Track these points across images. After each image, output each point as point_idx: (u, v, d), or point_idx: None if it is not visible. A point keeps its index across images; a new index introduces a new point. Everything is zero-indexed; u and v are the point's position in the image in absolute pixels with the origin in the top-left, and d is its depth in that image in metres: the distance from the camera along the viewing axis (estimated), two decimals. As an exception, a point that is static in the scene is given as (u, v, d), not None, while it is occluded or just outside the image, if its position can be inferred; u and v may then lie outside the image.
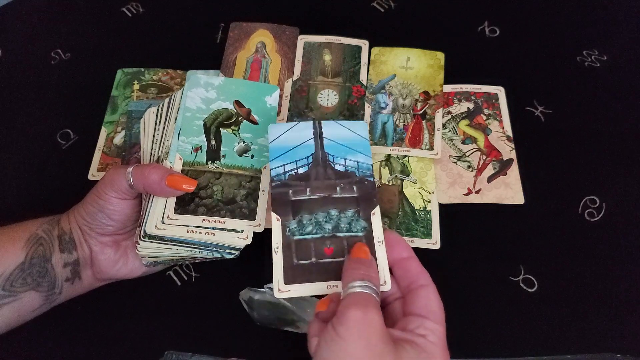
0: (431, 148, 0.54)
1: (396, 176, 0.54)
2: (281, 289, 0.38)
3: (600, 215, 0.52)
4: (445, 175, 0.54)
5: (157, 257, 0.44)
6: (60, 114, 0.59)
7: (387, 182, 0.53)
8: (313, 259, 0.39)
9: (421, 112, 0.56)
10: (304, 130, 0.44)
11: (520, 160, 0.54)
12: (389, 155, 0.55)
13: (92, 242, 0.44)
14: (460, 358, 0.45)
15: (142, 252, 0.43)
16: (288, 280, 0.38)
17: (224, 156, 0.46)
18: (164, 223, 0.42)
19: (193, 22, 0.65)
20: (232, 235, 0.43)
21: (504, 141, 0.56)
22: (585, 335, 0.46)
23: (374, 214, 0.41)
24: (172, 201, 0.43)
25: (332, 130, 0.44)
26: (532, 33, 0.63)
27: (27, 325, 0.42)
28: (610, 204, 0.52)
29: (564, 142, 0.56)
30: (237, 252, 0.44)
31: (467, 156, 0.55)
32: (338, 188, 0.41)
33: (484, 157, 0.55)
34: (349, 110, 0.56)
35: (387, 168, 0.54)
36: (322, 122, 0.44)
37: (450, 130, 0.56)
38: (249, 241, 0.43)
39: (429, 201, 0.52)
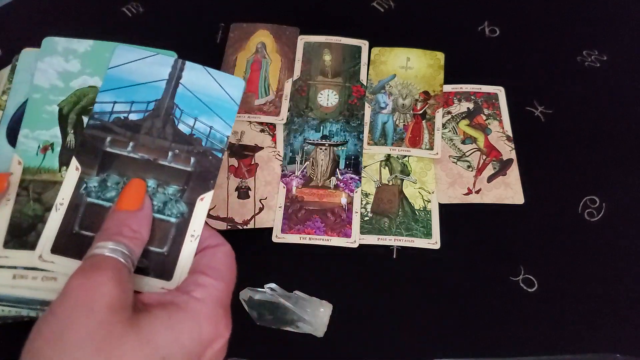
0: (431, 148, 0.54)
1: (396, 176, 0.54)
2: (43, 257, 0.30)
3: (600, 215, 0.52)
4: (445, 175, 0.54)
5: None
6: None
7: (387, 182, 0.53)
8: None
9: (421, 112, 0.56)
10: (159, 66, 0.35)
11: (520, 160, 0.54)
12: (388, 155, 0.55)
13: None
14: (460, 358, 0.45)
15: None
16: (57, 249, 0.30)
17: None
18: None
19: (193, 22, 0.65)
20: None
21: (503, 141, 0.56)
22: (585, 335, 0.46)
23: (202, 199, 0.32)
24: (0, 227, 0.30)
25: (196, 77, 0.34)
26: (532, 33, 0.63)
27: (26, 325, 0.42)
28: (610, 204, 0.52)
29: (564, 142, 0.56)
30: None
31: (467, 156, 0.55)
32: (170, 154, 0.33)
33: (484, 157, 0.55)
34: (349, 110, 0.56)
35: (387, 168, 0.54)
36: (187, 63, 0.35)
37: (450, 130, 0.56)
38: None
39: (429, 201, 0.52)
